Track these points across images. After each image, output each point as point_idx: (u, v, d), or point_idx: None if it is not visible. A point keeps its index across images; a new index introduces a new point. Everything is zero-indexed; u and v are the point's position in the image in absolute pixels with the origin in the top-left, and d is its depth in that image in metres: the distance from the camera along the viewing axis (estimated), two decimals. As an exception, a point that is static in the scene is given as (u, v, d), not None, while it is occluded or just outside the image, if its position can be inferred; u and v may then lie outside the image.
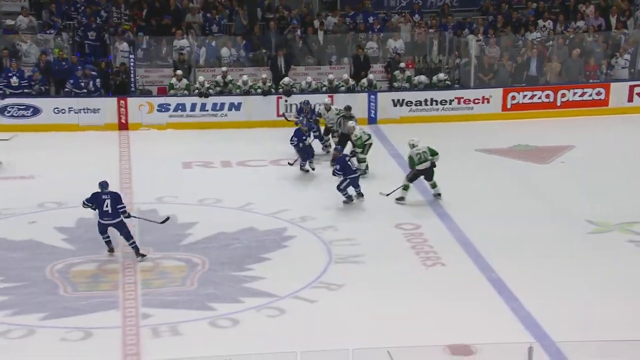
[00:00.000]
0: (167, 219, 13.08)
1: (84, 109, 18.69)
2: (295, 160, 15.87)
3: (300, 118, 17.09)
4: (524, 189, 15.57)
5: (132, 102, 18.89)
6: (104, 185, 12.31)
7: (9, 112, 18.49)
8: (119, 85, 19.36)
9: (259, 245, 13.01)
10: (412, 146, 14.52)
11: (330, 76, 19.75)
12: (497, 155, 17.41)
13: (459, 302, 11.24)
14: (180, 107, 19.07)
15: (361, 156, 15.91)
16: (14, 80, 18.71)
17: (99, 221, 12.29)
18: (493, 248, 12.83)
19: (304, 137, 15.74)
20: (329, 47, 21.08)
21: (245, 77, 19.55)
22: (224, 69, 19.71)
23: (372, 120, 19.43)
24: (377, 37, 21.33)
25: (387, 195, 14.50)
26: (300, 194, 15.27)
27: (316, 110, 17.61)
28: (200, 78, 19.33)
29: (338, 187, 14.42)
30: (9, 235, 13.19)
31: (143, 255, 12.41)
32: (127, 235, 12.33)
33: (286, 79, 19.65)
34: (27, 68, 19.32)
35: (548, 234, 13.42)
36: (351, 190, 14.52)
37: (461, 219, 13.96)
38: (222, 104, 19.23)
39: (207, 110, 19.15)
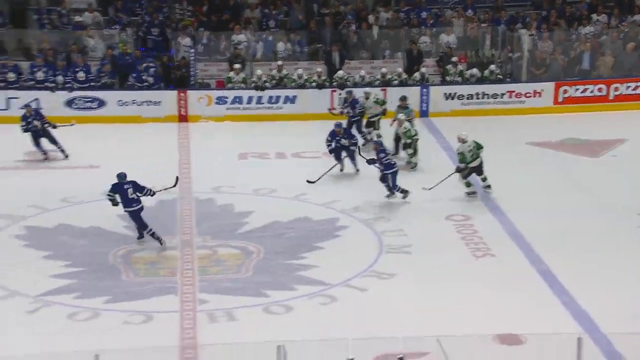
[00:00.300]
0: (177, 179, 13.20)
1: (146, 102, 18.93)
2: (319, 178, 15.07)
3: (346, 110, 17.07)
4: (574, 182, 15.29)
5: (192, 95, 19.06)
6: (122, 176, 12.44)
7: (76, 104, 18.82)
8: (179, 79, 19.56)
9: (312, 235, 13.03)
10: (463, 141, 14.32)
11: (384, 70, 19.67)
12: (547, 149, 17.13)
13: (509, 293, 11.11)
14: (238, 100, 19.19)
15: (410, 150, 15.78)
16: (81, 75, 19.03)
17: (129, 212, 12.35)
18: (543, 241, 12.64)
19: (337, 138, 15.36)
20: (383, 41, 20.99)
21: (300, 71, 19.58)
22: (279, 63, 19.77)
23: (423, 113, 19.26)
24: (430, 32, 21.15)
25: (430, 189, 14.30)
26: (353, 185, 15.22)
27: (359, 100, 17.49)
28: (258, 72, 19.42)
29: (388, 186, 14.18)
30: (75, 222, 13.40)
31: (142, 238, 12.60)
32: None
33: (340, 73, 19.62)
34: (93, 63, 19.62)
35: (596, 228, 13.17)
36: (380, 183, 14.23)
37: (511, 212, 13.78)
38: (278, 97, 19.29)
39: (263, 103, 19.23)
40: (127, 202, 12.35)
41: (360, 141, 17.07)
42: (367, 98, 17.37)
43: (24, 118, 16.14)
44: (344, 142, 15.38)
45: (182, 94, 19.01)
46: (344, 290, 11.32)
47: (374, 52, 20.95)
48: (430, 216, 13.73)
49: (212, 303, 10.99)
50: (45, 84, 18.84)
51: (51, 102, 18.44)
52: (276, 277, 11.69)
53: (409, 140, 15.76)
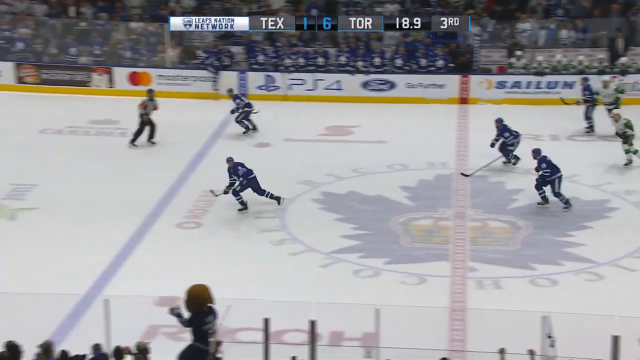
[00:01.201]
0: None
1: (431, 85, 19.11)
2: (475, 171, 14.10)
3: (583, 97, 16.19)
4: None
5: (474, 79, 18.90)
6: (231, 158, 12.78)
7: (371, 86, 19.50)
8: (463, 64, 19.47)
9: (581, 214, 12.46)
10: None
11: (670, 55, 18.05)
12: None
13: None
14: (517, 84, 18.71)
15: (625, 146, 14.16)
16: (377, 60, 19.62)
17: (251, 178, 12.68)
18: None
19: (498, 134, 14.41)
20: (676, 27, 19.17)
21: (581, 57, 18.59)
22: (559, 50, 18.90)
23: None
24: None
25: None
26: (627, 169, 14.18)
27: (589, 87, 16.18)
28: (539, 58, 18.78)
29: (542, 195, 12.73)
30: (363, 190, 13.84)
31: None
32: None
33: (623, 59, 18.31)
34: (387, 49, 20.09)
35: None
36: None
37: None
38: (556, 83, 18.48)
39: (541, 88, 18.56)
40: (247, 173, 12.76)
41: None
42: (605, 87, 16.05)
43: (234, 98, 16.79)
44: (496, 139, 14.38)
45: (464, 78, 18.92)
46: (611, 269, 10.72)
47: (665, 38, 19.22)
48: None
49: (481, 271, 10.94)
50: (347, 67, 19.70)
51: (350, 84, 19.30)
52: (543, 252, 11.34)
53: (630, 133, 14.14)
